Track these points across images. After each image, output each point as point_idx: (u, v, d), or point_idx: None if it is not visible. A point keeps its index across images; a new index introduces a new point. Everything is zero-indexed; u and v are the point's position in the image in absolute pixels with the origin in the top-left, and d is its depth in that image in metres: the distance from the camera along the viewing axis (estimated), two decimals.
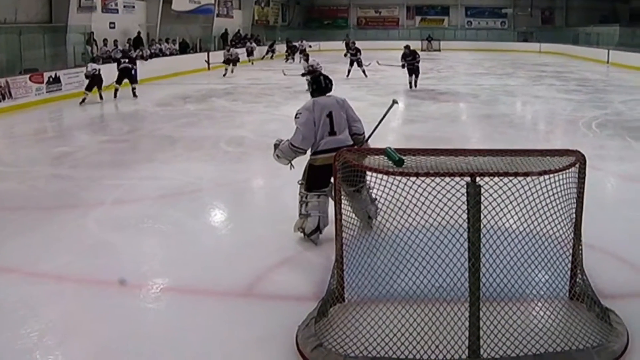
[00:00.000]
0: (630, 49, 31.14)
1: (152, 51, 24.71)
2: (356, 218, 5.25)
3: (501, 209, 3.98)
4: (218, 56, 26.40)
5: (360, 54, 23.58)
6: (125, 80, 17.74)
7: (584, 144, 10.46)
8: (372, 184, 4.47)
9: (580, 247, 4.47)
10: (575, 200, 4.32)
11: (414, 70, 19.76)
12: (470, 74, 26.66)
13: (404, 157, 4.15)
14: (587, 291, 4.45)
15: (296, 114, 5.90)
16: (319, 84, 6.01)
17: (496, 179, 3.95)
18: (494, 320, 3.96)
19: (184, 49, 29.27)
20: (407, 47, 20.24)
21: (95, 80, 16.78)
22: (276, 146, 6.04)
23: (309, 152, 5.93)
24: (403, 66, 19.81)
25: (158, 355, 4.08)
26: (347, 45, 22.47)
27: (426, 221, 4.13)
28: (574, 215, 4.36)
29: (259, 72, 23.70)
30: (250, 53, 31.12)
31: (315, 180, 5.85)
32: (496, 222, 4.08)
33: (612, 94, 19.01)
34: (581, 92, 19.51)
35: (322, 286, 4.85)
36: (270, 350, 4.09)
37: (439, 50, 45.91)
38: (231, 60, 24.48)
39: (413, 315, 4.08)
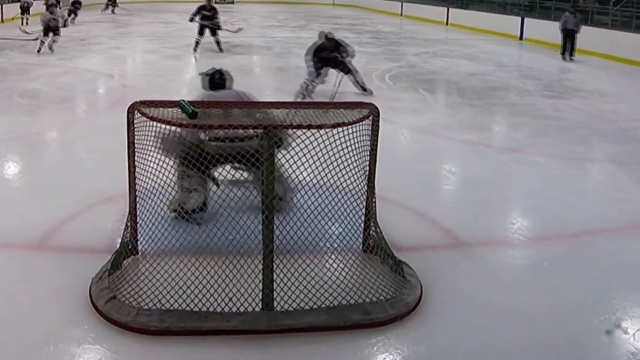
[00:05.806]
0: (424, 2, 32.95)
1: None
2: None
3: (295, 162, 4.13)
4: (11, 9, 24.55)
5: (218, 16, 17.80)
6: None
7: (378, 96, 10.91)
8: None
9: (373, 200, 4.76)
10: (368, 153, 4.58)
11: (341, 67, 11.22)
12: (264, 26, 27.00)
13: (197, 110, 4.18)
14: (380, 244, 4.76)
15: None
16: (212, 81, 6.10)
17: (290, 131, 4.08)
18: (288, 272, 4.16)
19: None
20: (326, 35, 11.14)
21: None
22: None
23: None
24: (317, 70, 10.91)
25: None
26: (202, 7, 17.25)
27: (220, 174, 4.21)
28: (368, 168, 4.62)
29: None
30: (25, 10, 27.95)
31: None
32: (290, 175, 4.24)
33: (405, 46, 20.13)
34: (375, 44, 20.47)
35: (116, 239, 4.92)
36: (64, 303, 4.14)
37: (233, 2, 45.79)
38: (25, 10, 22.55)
39: (207, 268, 4.18)
